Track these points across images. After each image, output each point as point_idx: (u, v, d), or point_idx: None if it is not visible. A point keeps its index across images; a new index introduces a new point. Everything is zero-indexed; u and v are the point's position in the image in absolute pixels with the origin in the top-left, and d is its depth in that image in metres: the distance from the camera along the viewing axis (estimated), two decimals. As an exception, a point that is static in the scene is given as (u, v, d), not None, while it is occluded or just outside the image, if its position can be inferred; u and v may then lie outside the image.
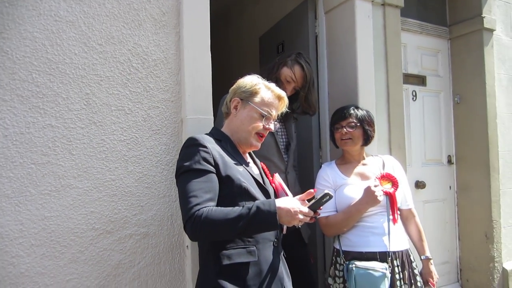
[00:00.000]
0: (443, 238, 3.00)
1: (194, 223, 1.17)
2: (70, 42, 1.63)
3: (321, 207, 1.30)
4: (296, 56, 2.03)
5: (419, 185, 2.85)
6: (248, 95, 1.42)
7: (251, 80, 1.46)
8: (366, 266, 1.69)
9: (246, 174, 1.36)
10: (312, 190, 1.29)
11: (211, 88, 1.87)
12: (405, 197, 1.96)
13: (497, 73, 2.96)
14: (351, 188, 1.87)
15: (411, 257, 1.87)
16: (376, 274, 1.67)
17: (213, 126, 1.63)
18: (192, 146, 1.31)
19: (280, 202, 1.22)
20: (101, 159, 1.67)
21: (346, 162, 1.99)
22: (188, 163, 1.27)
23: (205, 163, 1.27)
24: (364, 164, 1.97)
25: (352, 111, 1.94)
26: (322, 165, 2.08)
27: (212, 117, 1.86)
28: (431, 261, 1.92)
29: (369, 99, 2.27)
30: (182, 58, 1.84)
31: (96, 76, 1.68)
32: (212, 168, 1.27)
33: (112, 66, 1.71)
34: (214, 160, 1.29)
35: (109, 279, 1.65)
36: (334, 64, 2.44)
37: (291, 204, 1.23)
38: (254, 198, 1.31)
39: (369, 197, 1.75)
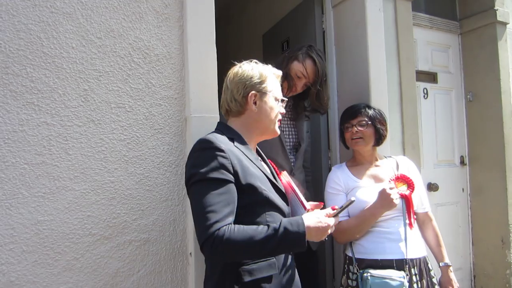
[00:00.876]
0: (456, 243, 2.88)
1: (214, 244, 1.06)
2: (67, 35, 1.53)
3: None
4: (307, 49, 1.90)
5: (432, 187, 2.74)
6: (261, 85, 1.33)
7: (256, 70, 1.35)
8: (382, 274, 1.58)
9: (263, 177, 1.26)
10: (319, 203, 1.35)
11: (217, 85, 1.77)
12: (421, 199, 1.85)
13: (511, 68, 2.85)
14: (364, 191, 1.76)
15: (429, 265, 1.77)
16: (394, 283, 1.56)
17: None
18: (207, 150, 1.17)
19: (308, 221, 1.15)
20: (99, 159, 1.57)
21: (357, 163, 1.88)
22: (204, 170, 1.13)
23: (224, 171, 1.14)
24: (376, 166, 1.87)
25: (363, 109, 1.85)
26: (333, 168, 1.98)
27: (218, 116, 1.76)
28: (451, 268, 1.81)
29: (382, 97, 2.16)
30: (186, 53, 1.74)
31: (95, 71, 1.58)
32: (231, 177, 1.15)
33: (111, 61, 1.61)
34: (233, 167, 1.16)
35: (107, 288, 1.54)
36: (344, 61, 2.34)
37: (319, 220, 1.17)
38: (274, 206, 1.24)
39: (384, 200, 1.64)
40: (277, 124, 1.38)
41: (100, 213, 1.55)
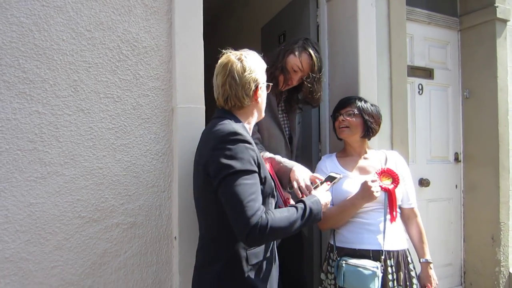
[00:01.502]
0: (447, 239, 2.90)
1: (260, 232, 1.13)
2: (58, 28, 1.61)
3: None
4: (303, 43, 1.90)
5: (423, 183, 2.76)
6: (263, 77, 1.39)
7: (258, 62, 1.38)
8: (356, 263, 1.64)
9: (266, 169, 1.34)
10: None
11: (203, 76, 1.83)
12: (408, 195, 1.88)
13: (509, 66, 2.82)
14: (350, 182, 1.80)
15: (409, 258, 1.80)
16: (366, 272, 1.61)
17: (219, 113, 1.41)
18: (239, 142, 1.20)
19: (323, 198, 1.36)
20: (88, 147, 1.65)
21: (347, 155, 1.93)
22: (239, 162, 1.17)
23: (254, 163, 1.20)
24: (365, 158, 1.91)
25: (353, 100, 1.88)
26: (322, 157, 2.03)
27: (203, 107, 1.82)
28: (431, 265, 1.85)
29: (371, 91, 2.19)
30: (173, 45, 1.80)
31: (84, 63, 1.65)
32: (257, 169, 1.22)
33: (101, 53, 1.68)
34: (257, 159, 1.23)
35: (94, 267, 1.64)
36: (335, 54, 2.36)
37: (327, 197, 1.40)
38: (273, 195, 1.36)
39: (365, 192, 1.69)
40: None
41: (89, 197, 1.64)
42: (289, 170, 1.59)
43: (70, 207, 1.61)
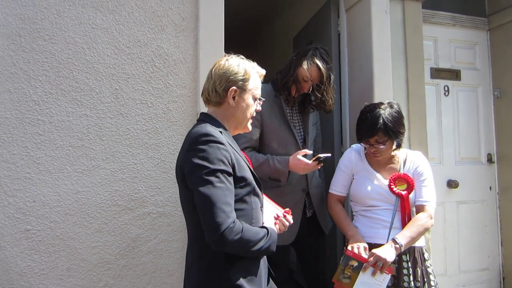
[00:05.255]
0: (482, 242, 2.81)
1: (232, 235, 1.14)
2: (104, 46, 1.93)
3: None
4: (312, 54, 1.99)
5: (452, 184, 2.72)
6: (243, 82, 1.36)
7: (241, 66, 1.37)
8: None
9: (248, 168, 1.34)
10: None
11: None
12: (422, 192, 1.83)
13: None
14: (374, 182, 1.86)
15: (426, 255, 1.83)
16: None
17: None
18: (211, 143, 1.20)
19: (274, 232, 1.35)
20: (125, 145, 1.94)
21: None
22: (212, 163, 1.17)
23: (227, 164, 1.21)
24: (391, 160, 1.91)
25: (379, 125, 1.76)
26: (352, 146, 2.04)
27: (224, 110, 2.04)
28: (395, 245, 1.69)
29: (386, 94, 2.26)
30: (198, 58, 2.05)
31: (124, 74, 1.96)
32: (231, 170, 1.22)
33: (137, 66, 1.98)
34: (231, 160, 1.23)
35: (128, 249, 1.90)
36: (353, 61, 2.48)
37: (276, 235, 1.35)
38: (256, 193, 1.35)
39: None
40: (250, 121, 1.44)
41: (125, 188, 1.92)
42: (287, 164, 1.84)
43: (109, 196, 1.90)
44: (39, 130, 1.80)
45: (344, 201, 2.02)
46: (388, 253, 1.65)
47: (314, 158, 1.78)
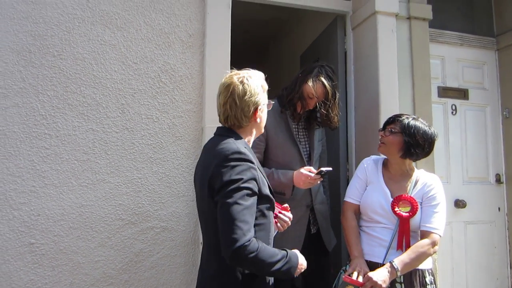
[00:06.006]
0: (490, 264, 2.74)
1: (246, 253, 1.17)
2: (111, 61, 1.97)
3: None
4: (318, 71, 2.00)
5: (459, 204, 2.68)
6: (263, 98, 1.43)
7: (258, 84, 1.41)
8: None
9: (267, 183, 1.39)
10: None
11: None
12: (430, 218, 1.77)
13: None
14: (383, 194, 1.82)
15: (427, 279, 1.77)
16: None
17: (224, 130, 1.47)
18: (243, 162, 1.27)
19: (301, 258, 1.37)
20: (130, 159, 1.96)
21: (389, 168, 1.92)
22: (242, 181, 1.23)
23: (255, 183, 1.27)
24: (403, 178, 1.86)
25: (400, 118, 1.83)
26: (372, 156, 2.02)
27: (228, 126, 2.05)
28: (391, 268, 1.64)
29: (392, 112, 2.21)
30: (204, 74, 2.08)
31: (131, 89, 1.99)
32: (257, 190, 1.28)
33: (144, 81, 2.01)
34: (258, 179, 1.30)
35: (130, 264, 1.90)
36: (359, 79, 2.49)
37: (304, 261, 1.39)
38: (273, 208, 1.41)
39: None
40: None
41: (128, 202, 1.93)
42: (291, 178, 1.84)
43: (113, 210, 1.90)
44: (45, 144, 1.83)
45: (358, 212, 1.94)
46: (383, 277, 1.62)
47: (316, 172, 1.78)
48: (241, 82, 1.38)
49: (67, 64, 1.90)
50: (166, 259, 1.96)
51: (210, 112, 2.04)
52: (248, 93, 1.36)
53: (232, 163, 1.25)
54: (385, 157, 1.94)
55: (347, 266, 1.80)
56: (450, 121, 2.77)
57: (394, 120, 1.85)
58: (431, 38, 2.57)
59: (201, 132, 2.07)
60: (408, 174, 1.87)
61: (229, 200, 1.20)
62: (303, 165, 2.05)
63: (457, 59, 2.82)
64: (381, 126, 1.94)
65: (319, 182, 1.87)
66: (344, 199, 1.97)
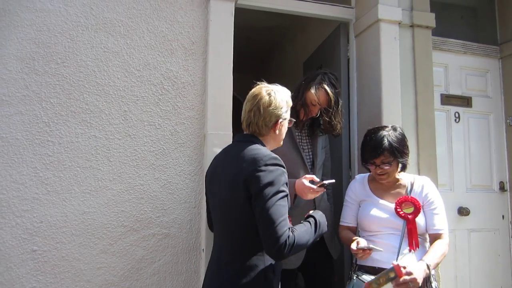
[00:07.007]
0: (494, 271, 2.72)
1: (287, 249, 1.32)
2: (114, 69, 1.98)
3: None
4: (321, 79, 2.02)
5: (463, 211, 2.66)
6: (286, 113, 1.56)
7: (284, 99, 1.55)
8: (366, 279, 1.70)
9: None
10: None
11: (231, 106, 2.07)
12: (434, 220, 1.82)
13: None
14: (378, 208, 1.86)
15: (433, 284, 1.78)
16: None
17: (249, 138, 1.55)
18: (278, 167, 1.40)
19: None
20: (133, 166, 1.96)
21: (381, 182, 1.94)
22: (278, 184, 1.37)
23: (286, 186, 1.42)
24: (396, 184, 1.92)
25: (384, 145, 1.79)
26: (356, 177, 2.07)
27: (231, 133, 2.05)
28: (425, 266, 1.66)
29: (394, 120, 2.25)
30: (207, 81, 2.08)
31: (133, 96, 1.99)
32: (288, 192, 1.42)
33: (147, 88, 2.02)
34: (287, 183, 1.44)
35: (132, 271, 1.89)
36: (362, 86, 2.49)
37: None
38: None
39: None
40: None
41: (131, 209, 1.93)
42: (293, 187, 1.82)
43: (116, 217, 1.90)
44: (48, 151, 1.83)
45: (356, 231, 2.01)
46: (422, 273, 1.61)
47: (319, 184, 1.77)
48: (268, 94, 1.52)
49: (70, 72, 1.91)
50: (168, 265, 1.96)
51: (212, 119, 2.04)
52: (273, 105, 1.50)
53: (270, 168, 1.38)
54: (366, 174, 2.01)
55: (355, 273, 1.79)
56: (453, 129, 2.76)
57: (380, 150, 1.80)
58: (434, 46, 2.57)
59: (203, 139, 2.07)
60: (399, 180, 1.92)
61: (271, 202, 1.33)
62: (306, 173, 2.06)
63: (460, 67, 2.82)
64: None
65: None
66: (340, 223, 2.02)
